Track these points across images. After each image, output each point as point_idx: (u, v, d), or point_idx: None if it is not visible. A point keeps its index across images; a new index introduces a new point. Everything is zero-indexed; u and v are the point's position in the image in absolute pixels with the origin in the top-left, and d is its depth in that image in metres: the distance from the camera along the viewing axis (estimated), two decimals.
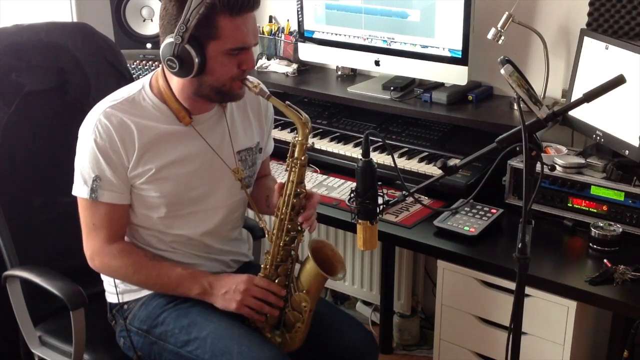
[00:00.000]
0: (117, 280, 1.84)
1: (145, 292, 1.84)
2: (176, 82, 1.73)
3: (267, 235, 1.81)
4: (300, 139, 1.74)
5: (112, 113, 1.70)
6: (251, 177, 1.92)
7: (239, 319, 1.79)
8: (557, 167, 2.05)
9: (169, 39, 1.63)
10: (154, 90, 1.76)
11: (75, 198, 1.76)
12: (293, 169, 1.75)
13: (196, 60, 1.62)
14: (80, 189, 1.73)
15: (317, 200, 1.80)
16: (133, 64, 2.91)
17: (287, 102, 1.72)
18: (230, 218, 1.89)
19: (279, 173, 2.34)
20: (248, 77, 1.73)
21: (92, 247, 1.76)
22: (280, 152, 2.03)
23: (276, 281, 1.79)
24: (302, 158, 1.74)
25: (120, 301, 1.85)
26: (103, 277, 1.91)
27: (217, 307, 1.76)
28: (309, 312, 1.78)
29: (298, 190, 1.75)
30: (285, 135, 2.56)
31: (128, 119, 1.71)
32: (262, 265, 1.81)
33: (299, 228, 1.80)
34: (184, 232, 1.82)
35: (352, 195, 1.70)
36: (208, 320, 1.74)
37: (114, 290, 1.84)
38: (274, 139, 2.13)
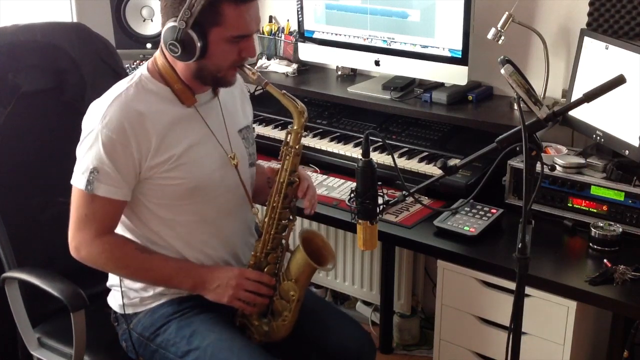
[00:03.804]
0: (124, 290, 1.82)
1: (153, 304, 1.82)
2: (178, 63, 1.72)
3: (258, 223, 1.82)
4: (295, 127, 1.75)
5: (122, 102, 1.68)
6: (254, 154, 1.93)
7: (240, 329, 1.80)
8: (557, 167, 2.05)
9: (171, 23, 1.63)
10: (154, 76, 1.75)
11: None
12: (287, 157, 1.76)
13: (198, 44, 1.62)
14: (77, 179, 1.70)
15: (307, 186, 1.80)
16: (133, 64, 2.91)
17: (284, 91, 1.74)
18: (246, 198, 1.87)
19: None
20: (246, 64, 1.73)
21: (80, 237, 1.72)
22: (278, 150, 2.02)
23: (265, 269, 1.80)
24: (297, 147, 1.75)
25: (127, 312, 1.84)
26: (111, 285, 1.89)
27: (220, 318, 1.77)
28: (297, 301, 1.79)
29: (291, 178, 1.77)
30: (283, 135, 2.55)
31: (138, 105, 1.68)
32: (252, 253, 1.82)
33: (291, 217, 1.80)
34: (209, 218, 1.80)
35: (352, 195, 1.70)
36: (210, 330, 1.74)
37: (121, 302, 1.83)
38: (271, 137, 2.13)
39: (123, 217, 1.78)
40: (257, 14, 1.68)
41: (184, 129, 1.74)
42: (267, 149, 2.39)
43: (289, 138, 1.76)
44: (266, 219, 1.79)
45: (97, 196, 1.68)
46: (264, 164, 2.15)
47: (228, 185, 1.82)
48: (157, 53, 1.76)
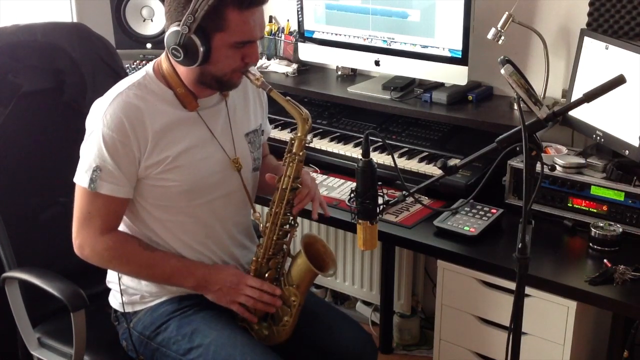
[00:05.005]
0: (123, 288, 1.83)
1: (153, 302, 1.83)
2: (181, 68, 1.72)
3: (260, 228, 1.82)
4: (299, 134, 1.74)
5: (123, 100, 1.67)
6: (259, 159, 1.92)
7: (242, 327, 1.80)
8: (557, 167, 2.05)
9: (174, 27, 1.62)
10: (158, 77, 1.74)
11: (72, 198, 1.75)
12: (290, 164, 1.75)
13: (201, 50, 1.61)
14: (81, 177, 1.70)
15: (306, 194, 1.80)
16: (133, 64, 2.91)
17: (288, 98, 1.73)
18: (246, 201, 1.87)
19: None
20: (250, 69, 1.72)
21: (84, 235, 1.73)
22: (278, 151, 2.03)
23: (267, 274, 1.79)
24: (300, 153, 1.75)
25: (127, 310, 1.84)
26: (110, 284, 1.89)
27: (220, 315, 1.77)
28: (298, 306, 1.79)
29: (294, 185, 1.76)
30: (284, 135, 2.56)
31: (139, 103, 1.68)
32: (253, 258, 1.82)
33: (292, 223, 1.80)
34: (204, 220, 1.79)
35: (352, 195, 1.70)
36: (211, 328, 1.74)
37: (121, 300, 1.84)
38: (273, 138, 2.11)
39: None
40: (261, 20, 1.67)
41: (182, 132, 1.73)
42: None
43: (292, 145, 1.75)
44: (268, 225, 1.79)
45: (100, 194, 1.69)
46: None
47: (228, 188, 1.82)
48: (163, 55, 1.75)
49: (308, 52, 2.77)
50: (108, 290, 1.91)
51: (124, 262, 1.75)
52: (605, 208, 1.99)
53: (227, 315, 1.80)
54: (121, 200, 1.72)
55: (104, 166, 1.67)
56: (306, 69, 2.91)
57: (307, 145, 1.76)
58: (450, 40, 2.36)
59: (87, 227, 1.72)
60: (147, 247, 1.77)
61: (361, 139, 2.28)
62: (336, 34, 2.65)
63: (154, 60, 1.78)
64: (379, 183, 1.69)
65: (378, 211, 1.70)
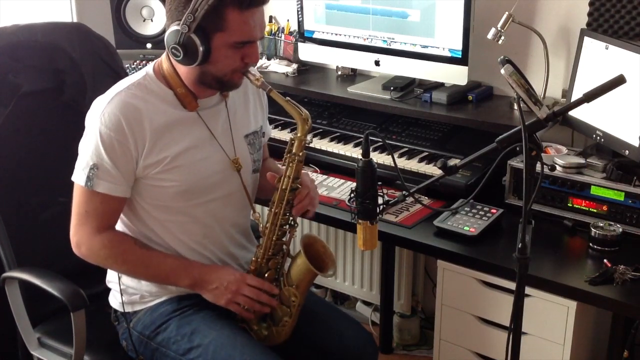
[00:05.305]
0: (123, 288, 1.83)
1: (153, 302, 1.83)
2: (181, 68, 1.72)
3: (260, 228, 1.82)
4: (299, 135, 1.74)
5: (121, 100, 1.68)
6: (259, 160, 1.92)
7: (241, 327, 1.80)
8: (557, 167, 2.05)
9: (174, 27, 1.62)
10: (158, 77, 1.74)
11: (72, 197, 1.75)
12: (290, 164, 1.75)
13: (200, 49, 1.62)
14: (78, 175, 1.70)
15: (306, 194, 1.79)
16: (133, 64, 2.91)
17: (288, 98, 1.73)
18: (246, 203, 1.87)
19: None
20: (250, 69, 1.72)
21: (81, 234, 1.73)
22: (278, 151, 2.03)
23: (266, 274, 1.79)
24: (300, 154, 1.75)
25: (126, 310, 1.84)
26: (110, 283, 1.89)
27: (220, 315, 1.77)
28: (298, 306, 1.79)
29: (293, 185, 1.76)
30: (284, 135, 2.56)
31: (138, 103, 1.68)
32: (252, 258, 1.82)
33: (292, 223, 1.80)
34: (202, 220, 1.79)
35: (352, 195, 1.70)
36: (211, 328, 1.74)
37: (121, 300, 1.84)
38: (274, 138, 2.10)
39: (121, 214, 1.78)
40: (261, 20, 1.67)
41: (182, 132, 1.73)
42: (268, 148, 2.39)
43: (292, 145, 1.75)
44: (268, 225, 1.79)
45: (97, 192, 1.69)
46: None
47: (228, 189, 1.82)
48: (164, 56, 1.75)
49: (308, 52, 2.77)
50: (108, 290, 1.91)
51: (120, 261, 1.75)
52: (605, 208, 1.99)
53: (227, 315, 1.80)
54: (118, 199, 1.72)
55: (101, 164, 1.67)
56: (306, 69, 2.91)
57: (307, 145, 1.76)
58: (450, 40, 2.36)
59: (84, 225, 1.73)
60: (144, 246, 1.77)
61: (361, 139, 2.28)
62: (336, 34, 2.65)
63: (155, 61, 1.78)
64: (379, 183, 1.69)
65: (378, 211, 1.70)
